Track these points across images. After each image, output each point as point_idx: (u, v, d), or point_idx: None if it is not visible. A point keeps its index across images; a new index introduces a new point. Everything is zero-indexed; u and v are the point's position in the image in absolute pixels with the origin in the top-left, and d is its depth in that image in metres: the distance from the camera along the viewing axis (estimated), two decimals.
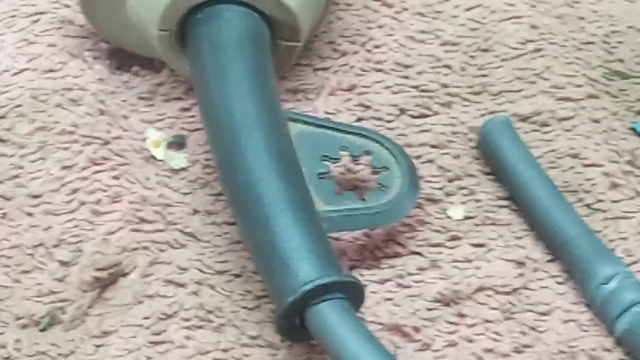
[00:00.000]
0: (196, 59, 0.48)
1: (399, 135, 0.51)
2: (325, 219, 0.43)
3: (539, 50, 0.56)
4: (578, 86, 0.54)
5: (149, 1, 0.49)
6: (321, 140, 0.46)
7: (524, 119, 0.52)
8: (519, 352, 0.44)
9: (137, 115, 0.52)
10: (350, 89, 0.53)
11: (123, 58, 0.55)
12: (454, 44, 0.56)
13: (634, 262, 0.47)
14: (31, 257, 0.46)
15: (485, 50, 0.56)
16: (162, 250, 0.46)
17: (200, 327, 0.43)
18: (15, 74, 0.53)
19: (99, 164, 0.48)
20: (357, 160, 0.47)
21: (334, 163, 0.46)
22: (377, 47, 0.55)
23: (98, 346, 0.43)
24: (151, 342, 0.42)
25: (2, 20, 0.56)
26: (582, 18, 0.59)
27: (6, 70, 0.53)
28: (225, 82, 0.45)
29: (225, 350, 0.43)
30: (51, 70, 0.53)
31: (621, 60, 0.57)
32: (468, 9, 0.57)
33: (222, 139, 0.44)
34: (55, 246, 0.46)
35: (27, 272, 0.46)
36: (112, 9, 0.50)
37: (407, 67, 0.54)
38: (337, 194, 0.44)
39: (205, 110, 0.46)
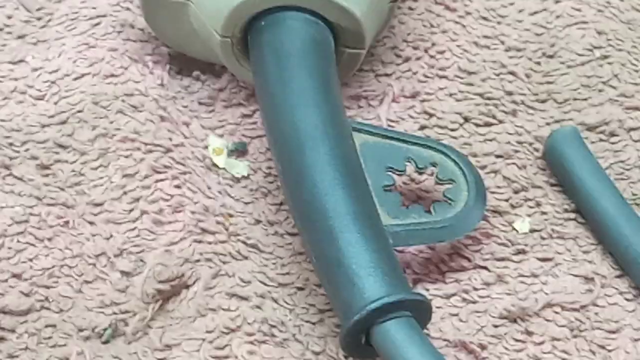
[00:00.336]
0: (259, 67, 0.47)
1: (463, 144, 0.50)
2: (391, 233, 0.42)
3: (606, 57, 0.55)
4: None
5: (212, 7, 0.48)
6: (386, 151, 0.45)
7: (591, 128, 0.51)
8: None
9: (198, 122, 0.51)
10: (413, 95, 0.52)
11: (183, 62, 0.54)
12: (518, 50, 0.55)
13: None
14: (93, 267, 0.46)
15: (550, 57, 0.55)
16: (225, 262, 0.45)
17: (264, 341, 0.43)
18: (76, 78, 0.52)
19: (161, 172, 0.48)
20: (422, 172, 0.46)
21: (399, 175, 0.45)
22: (440, 52, 0.54)
23: (160, 359, 0.43)
24: (214, 357, 0.42)
25: (63, 22, 0.55)
26: None
27: (67, 75, 0.53)
28: (289, 92, 0.45)
29: None
30: (112, 75, 0.52)
31: None
32: (532, 14, 0.56)
33: (285, 150, 0.44)
34: (117, 256, 0.46)
35: (89, 282, 0.46)
36: (174, 13, 0.50)
37: (471, 73, 0.53)
38: (402, 207, 0.43)
39: (268, 120, 0.46)
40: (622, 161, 0.50)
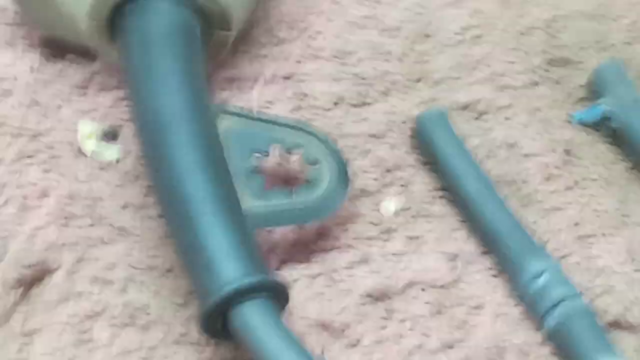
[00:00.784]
0: (125, 51, 0.47)
1: (337, 124, 0.51)
2: (254, 214, 0.42)
3: (479, 36, 0.56)
4: (518, 73, 0.54)
5: None
6: (252, 134, 0.45)
7: (463, 107, 0.52)
8: (450, 347, 0.44)
9: (70, 106, 0.51)
10: (288, 77, 0.53)
11: (58, 46, 0.53)
12: (395, 30, 0.55)
13: (566, 255, 0.48)
14: None
15: (427, 37, 0.56)
16: (90, 247, 0.45)
17: (127, 325, 0.43)
18: None
19: (29, 157, 0.48)
20: (289, 154, 0.47)
21: (265, 157, 0.45)
22: (317, 33, 0.54)
23: (23, 345, 0.43)
24: (77, 341, 0.42)
25: None
26: (526, 1, 0.58)
27: None
28: (153, 77, 0.45)
29: (151, 349, 0.42)
30: None
31: (564, 46, 0.57)
32: None
33: (147, 135, 0.44)
34: None
35: None
36: None
37: (346, 54, 0.54)
38: (265, 190, 0.44)
39: (132, 105, 0.46)
40: (491, 139, 0.51)
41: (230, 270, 0.40)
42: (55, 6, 0.50)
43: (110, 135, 0.50)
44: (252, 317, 0.41)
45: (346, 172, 0.46)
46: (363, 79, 0.53)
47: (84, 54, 0.53)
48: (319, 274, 0.46)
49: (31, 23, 0.54)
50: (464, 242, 0.47)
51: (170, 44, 0.46)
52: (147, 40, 0.46)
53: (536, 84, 0.54)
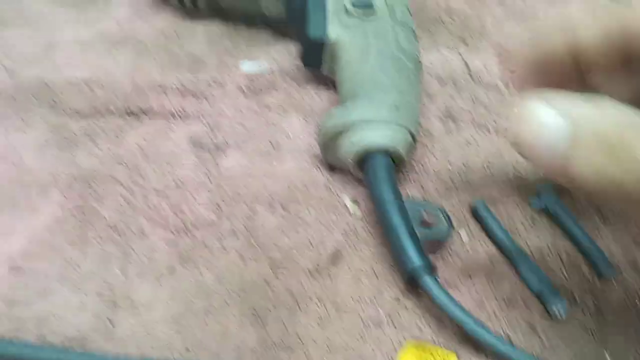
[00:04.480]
0: (367, 179, 0.69)
1: None
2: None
3: None
4: None
5: (347, 149, 0.69)
6: (417, 204, 0.66)
7: None
8: None
9: None
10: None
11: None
12: None
13: None
14: None
15: None
16: None
17: None
18: None
19: None
20: (428, 213, 0.65)
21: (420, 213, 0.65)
22: None
23: None
24: None
25: None
26: None
27: None
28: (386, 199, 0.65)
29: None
30: None
31: None
32: None
33: (382, 215, 0.65)
34: None
35: None
36: (335, 149, 0.70)
37: None
38: (421, 225, 0.65)
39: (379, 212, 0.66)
40: None
41: (415, 255, 0.61)
42: (336, 153, 0.70)
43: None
44: (432, 286, 0.60)
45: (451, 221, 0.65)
46: None
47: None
48: None
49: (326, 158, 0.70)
50: None
51: (390, 179, 0.67)
52: (380, 175, 0.67)
53: None
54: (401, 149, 0.69)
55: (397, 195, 0.65)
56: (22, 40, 0.83)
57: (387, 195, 0.65)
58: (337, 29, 0.75)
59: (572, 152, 0.46)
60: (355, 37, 0.75)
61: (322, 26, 0.76)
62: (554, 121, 0.47)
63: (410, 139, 0.69)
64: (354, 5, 0.77)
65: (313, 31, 0.76)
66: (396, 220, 0.63)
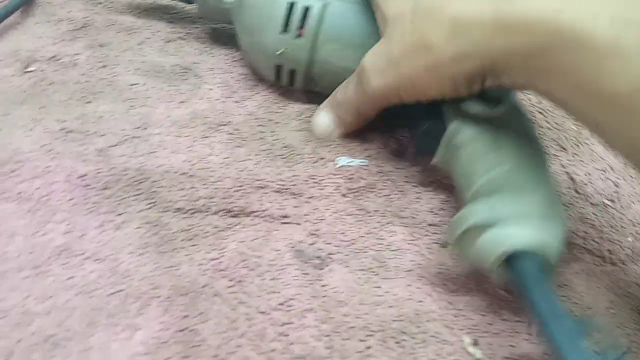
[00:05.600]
0: (517, 289, 0.64)
1: None
2: None
3: None
4: None
5: (486, 252, 0.66)
6: None
7: None
8: None
9: None
10: None
11: None
12: None
13: None
14: None
15: None
16: None
17: None
18: None
19: None
20: None
21: None
22: None
23: None
24: None
25: None
26: None
27: None
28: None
29: None
30: None
31: None
32: None
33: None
34: None
35: None
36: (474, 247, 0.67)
37: None
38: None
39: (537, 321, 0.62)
40: None
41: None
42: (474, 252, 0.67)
43: None
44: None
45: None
46: None
47: None
48: None
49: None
50: None
51: (542, 280, 0.63)
52: (532, 279, 0.63)
53: None
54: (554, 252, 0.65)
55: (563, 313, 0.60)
56: (115, 117, 0.83)
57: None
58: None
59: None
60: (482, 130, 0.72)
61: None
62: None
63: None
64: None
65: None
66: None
